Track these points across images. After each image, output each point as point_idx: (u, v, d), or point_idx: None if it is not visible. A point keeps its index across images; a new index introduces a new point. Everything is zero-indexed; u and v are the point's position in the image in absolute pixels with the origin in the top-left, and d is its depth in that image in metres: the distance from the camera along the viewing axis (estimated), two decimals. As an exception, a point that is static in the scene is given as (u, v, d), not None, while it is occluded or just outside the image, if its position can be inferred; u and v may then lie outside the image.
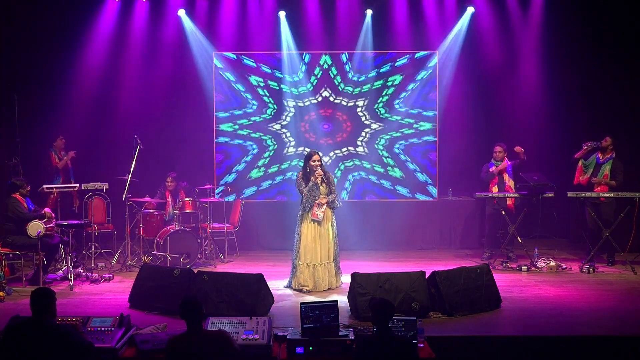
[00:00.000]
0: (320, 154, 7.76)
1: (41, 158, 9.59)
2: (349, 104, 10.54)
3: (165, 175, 9.64)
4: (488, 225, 9.35)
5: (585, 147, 8.88)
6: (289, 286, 7.66)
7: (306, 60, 10.53)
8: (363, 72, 10.55)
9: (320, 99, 10.55)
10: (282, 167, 10.56)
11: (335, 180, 8.14)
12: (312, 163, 7.57)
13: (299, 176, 7.70)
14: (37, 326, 4.47)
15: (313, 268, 7.51)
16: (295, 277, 7.61)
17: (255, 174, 10.55)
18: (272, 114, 10.56)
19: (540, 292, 7.48)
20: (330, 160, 10.48)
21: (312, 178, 7.54)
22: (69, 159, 9.57)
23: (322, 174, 7.55)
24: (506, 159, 9.17)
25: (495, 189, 9.09)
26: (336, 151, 10.55)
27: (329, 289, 7.53)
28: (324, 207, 7.56)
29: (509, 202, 9.08)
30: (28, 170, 9.33)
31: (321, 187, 7.59)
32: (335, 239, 7.66)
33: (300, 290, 7.47)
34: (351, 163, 10.56)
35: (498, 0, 10.39)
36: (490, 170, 9.18)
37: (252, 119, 10.56)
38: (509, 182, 9.09)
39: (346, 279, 7.20)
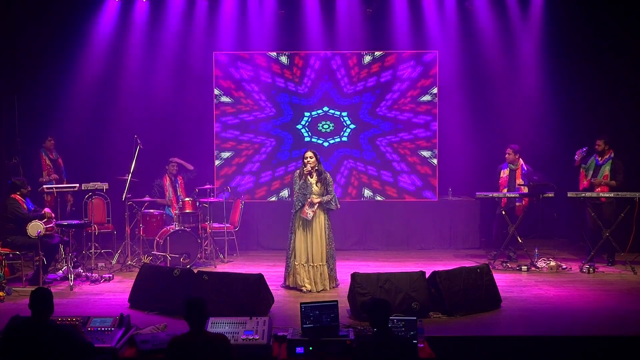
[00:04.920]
0: (313, 151, 7.60)
1: (32, 159, 9.54)
2: (349, 103, 10.54)
3: (161, 173, 9.68)
4: (496, 225, 9.32)
5: (577, 157, 8.90)
6: (284, 285, 7.61)
7: (306, 59, 10.54)
8: (363, 71, 10.55)
9: (321, 98, 10.55)
10: (282, 166, 10.57)
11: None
12: (304, 160, 7.51)
13: (295, 175, 7.67)
14: (37, 326, 4.47)
15: (308, 269, 7.45)
16: (291, 276, 7.54)
17: (256, 172, 10.56)
18: (272, 113, 10.55)
19: (540, 292, 7.48)
20: (333, 159, 10.49)
21: (302, 176, 7.51)
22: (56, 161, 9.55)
23: (310, 169, 7.44)
24: (521, 160, 9.15)
25: (505, 191, 9.07)
26: (335, 150, 10.57)
27: (322, 290, 7.44)
28: (316, 206, 7.44)
29: (517, 204, 9.05)
30: (28, 170, 9.33)
31: (315, 187, 7.49)
32: (328, 241, 7.55)
33: (300, 290, 7.41)
34: (351, 162, 10.56)
35: (498, 0, 10.39)
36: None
37: (253, 118, 10.57)
38: (524, 187, 8.97)
39: (346, 279, 7.13)
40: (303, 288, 7.43)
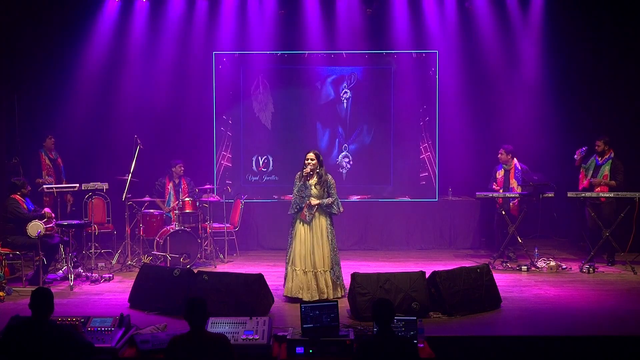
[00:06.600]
0: (316, 153, 7.21)
1: (32, 158, 9.54)
2: (351, 103, 10.54)
3: (164, 173, 9.66)
4: (496, 225, 9.33)
5: (577, 157, 8.91)
6: (283, 295, 7.14)
7: (305, 59, 10.56)
8: (364, 70, 10.56)
9: (321, 97, 10.56)
10: (283, 166, 10.57)
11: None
12: (305, 162, 7.14)
13: (296, 176, 7.23)
14: (37, 326, 4.47)
15: (308, 275, 7.03)
16: (288, 284, 7.11)
17: (257, 172, 10.57)
18: (272, 114, 10.55)
19: (540, 292, 7.48)
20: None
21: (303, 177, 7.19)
22: (55, 160, 9.52)
23: (310, 171, 7.10)
24: (515, 160, 9.16)
25: (501, 191, 9.08)
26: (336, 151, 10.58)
27: (325, 299, 6.90)
28: (314, 209, 7.07)
29: (512, 204, 9.06)
30: (28, 170, 9.33)
31: (314, 189, 7.11)
32: (331, 246, 7.12)
33: (295, 299, 6.94)
34: (351, 161, 10.57)
35: (498, 0, 10.39)
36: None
37: (252, 118, 10.57)
38: (517, 188, 8.99)
39: (346, 279, 7.06)
40: (299, 296, 6.97)
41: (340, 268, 7.21)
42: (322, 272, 7.07)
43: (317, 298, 6.95)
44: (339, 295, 7.09)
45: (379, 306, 4.61)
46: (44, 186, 8.85)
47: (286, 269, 7.23)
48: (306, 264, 7.07)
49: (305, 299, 6.92)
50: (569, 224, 10.56)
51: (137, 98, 10.41)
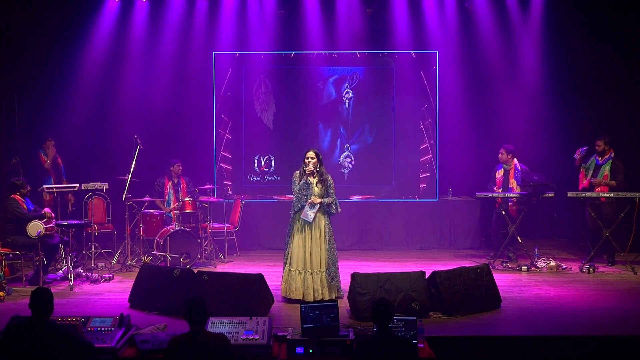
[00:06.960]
0: (316, 151, 7.13)
1: (32, 158, 9.55)
2: (352, 103, 10.55)
3: (163, 173, 9.65)
4: (495, 225, 9.34)
5: (577, 157, 8.91)
6: (281, 296, 7.09)
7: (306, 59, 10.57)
8: (366, 70, 10.56)
9: (323, 97, 10.57)
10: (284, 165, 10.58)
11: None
12: (306, 160, 7.06)
13: (294, 175, 7.17)
14: (37, 326, 4.47)
15: (303, 276, 6.97)
16: (284, 283, 7.07)
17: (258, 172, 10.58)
18: (274, 114, 10.56)
19: (540, 292, 7.48)
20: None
21: (302, 176, 7.12)
22: (55, 159, 9.52)
23: (312, 169, 7.03)
24: (515, 161, 9.16)
25: (500, 191, 9.08)
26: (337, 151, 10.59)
27: (320, 300, 6.82)
28: (316, 207, 6.99)
29: (510, 205, 9.06)
30: (28, 171, 9.34)
31: (315, 188, 7.03)
32: (329, 247, 7.04)
33: (291, 300, 6.95)
34: (353, 161, 10.58)
35: (498, 0, 10.39)
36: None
37: (254, 118, 10.58)
38: (517, 188, 9.00)
39: (346, 279, 7.02)
40: (293, 297, 6.92)
41: (337, 269, 7.13)
42: (318, 272, 7.01)
43: (312, 299, 6.87)
44: (334, 297, 6.98)
45: (379, 306, 4.62)
46: (44, 186, 8.85)
47: (284, 269, 7.20)
48: (304, 264, 7.02)
49: (299, 299, 6.89)
50: (569, 224, 10.56)
51: (137, 98, 10.41)
